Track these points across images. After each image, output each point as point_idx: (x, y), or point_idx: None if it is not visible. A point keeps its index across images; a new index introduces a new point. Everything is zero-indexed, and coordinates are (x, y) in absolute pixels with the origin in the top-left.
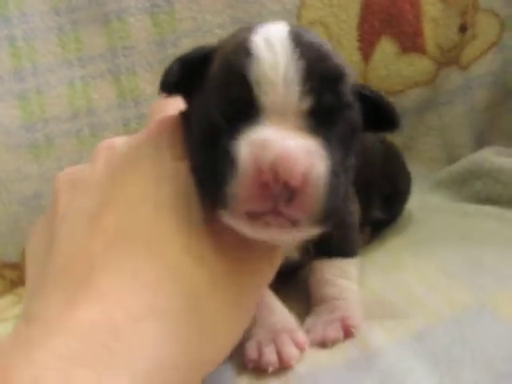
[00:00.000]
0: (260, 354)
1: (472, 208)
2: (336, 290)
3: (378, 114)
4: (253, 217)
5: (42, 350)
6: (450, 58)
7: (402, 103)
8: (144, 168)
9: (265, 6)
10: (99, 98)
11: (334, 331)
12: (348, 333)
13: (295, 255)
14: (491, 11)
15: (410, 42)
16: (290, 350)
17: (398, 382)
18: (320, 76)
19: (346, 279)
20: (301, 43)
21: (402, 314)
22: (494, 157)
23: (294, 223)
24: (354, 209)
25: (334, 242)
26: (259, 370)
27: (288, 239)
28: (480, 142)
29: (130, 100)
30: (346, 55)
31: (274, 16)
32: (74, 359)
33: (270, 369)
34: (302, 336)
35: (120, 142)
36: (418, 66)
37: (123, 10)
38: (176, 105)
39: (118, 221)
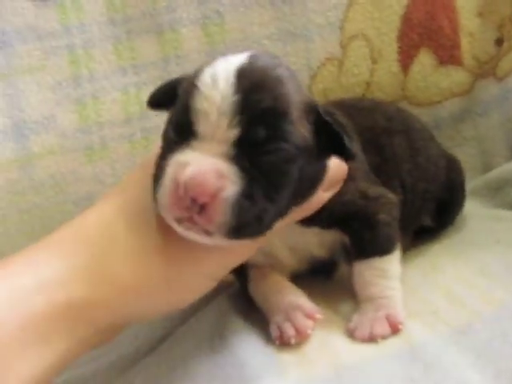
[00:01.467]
0: (281, 331)
1: (506, 214)
2: (377, 289)
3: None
4: (177, 221)
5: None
6: (486, 70)
7: (439, 114)
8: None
9: (310, 18)
10: None
11: (381, 328)
12: (396, 329)
13: (323, 254)
14: None
15: (448, 55)
16: (304, 322)
17: (442, 372)
18: (253, 109)
19: (385, 278)
20: (245, 77)
21: (443, 311)
22: None
23: (207, 232)
24: (383, 207)
25: (367, 242)
26: (307, 361)
27: (210, 243)
28: None
29: None
30: (386, 66)
31: (319, 28)
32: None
33: (293, 341)
34: (310, 308)
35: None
36: (455, 77)
37: (176, 21)
38: None
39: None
